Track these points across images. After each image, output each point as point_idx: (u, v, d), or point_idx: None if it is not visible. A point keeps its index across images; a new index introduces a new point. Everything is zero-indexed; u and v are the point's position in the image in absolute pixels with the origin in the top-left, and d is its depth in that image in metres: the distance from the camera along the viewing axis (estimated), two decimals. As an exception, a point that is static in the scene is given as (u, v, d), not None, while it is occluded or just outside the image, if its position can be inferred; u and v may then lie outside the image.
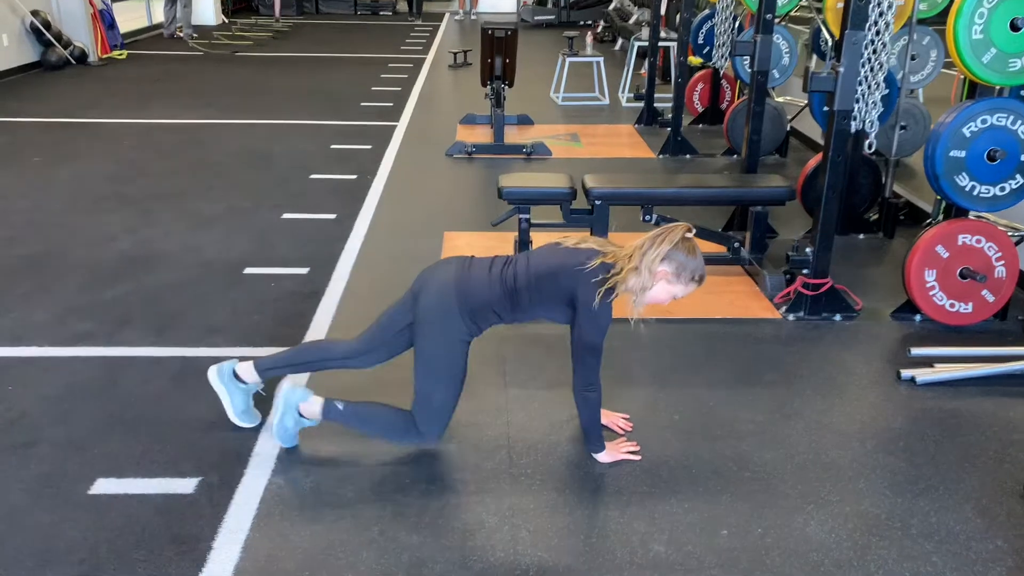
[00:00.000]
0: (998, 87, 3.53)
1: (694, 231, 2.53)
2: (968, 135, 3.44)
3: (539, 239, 4.52)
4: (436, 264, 2.74)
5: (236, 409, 2.79)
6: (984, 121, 3.42)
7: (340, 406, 2.67)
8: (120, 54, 11.27)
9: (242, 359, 2.86)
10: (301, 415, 2.69)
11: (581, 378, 2.59)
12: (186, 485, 2.54)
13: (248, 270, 4.21)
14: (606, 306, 2.50)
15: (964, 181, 3.50)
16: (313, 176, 5.93)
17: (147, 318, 3.67)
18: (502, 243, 4.60)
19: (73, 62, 10.33)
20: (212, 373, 2.83)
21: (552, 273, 2.55)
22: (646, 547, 2.32)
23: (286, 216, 5.06)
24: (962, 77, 4.34)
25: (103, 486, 2.54)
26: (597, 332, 2.53)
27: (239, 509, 2.44)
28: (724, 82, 7.58)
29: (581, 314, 2.52)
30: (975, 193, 3.52)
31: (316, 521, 2.40)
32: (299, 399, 2.68)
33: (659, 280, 2.49)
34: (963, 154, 3.46)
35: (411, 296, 2.68)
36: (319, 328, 3.58)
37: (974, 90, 3.63)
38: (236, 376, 2.83)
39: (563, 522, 2.41)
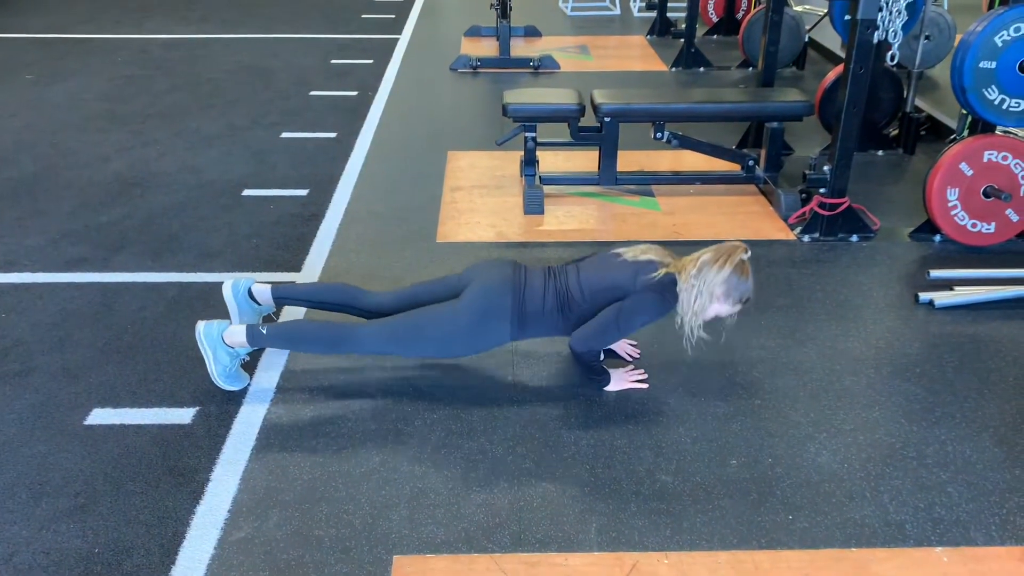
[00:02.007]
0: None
1: (749, 253, 2.48)
2: (1000, 44, 3.25)
3: (546, 158, 4.39)
4: (491, 260, 2.70)
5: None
6: (1017, 30, 3.22)
7: (264, 330, 2.56)
8: (114, -35, 10.88)
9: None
10: (229, 346, 2.56)
11: (587, 341, 2.50)
12: (183, 415, 2.49)
13: (246, 192, 4.10)
14: (659, 306, 2.48)
15: (993, 94, 3.32)
16: (313, 93, 5.75)
17: (143, 242, 3.57)
18: (508, 162, 4.45)
19: (65, -26, 9.97)
20: (227, 286, 2.76)
21: (610, 288, 2.51)
22: (653, 477, 2.26)
23: (285, 135, 4.91)
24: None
25: (99, 416, 2.49)
26: (629, 324, 2.50)
27: (237, 440, 2.39)
28: (740, -10, 7.27)
29: (630, 300, 2.47)
30: (1004, 107, 3.33)
31: (315, 452, 2.35)
32: (220, 330, 2.56)
33: (714, 300, 2.46)
34: (993, 65, 3.27)
35: (457, 279, 2.63)
36: (319, 253, 3.48)
37: (1008, -4, 3.41)
38: (250, 294, 2.76)
39: (568, 452, 2.35)
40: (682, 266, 2.49)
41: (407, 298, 2.66)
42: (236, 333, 2.56)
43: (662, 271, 2.48)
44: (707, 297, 2.42)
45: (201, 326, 2.56)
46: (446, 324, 2.52)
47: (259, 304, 2.79)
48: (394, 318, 2.57)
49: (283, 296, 2.78)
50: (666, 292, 2.47)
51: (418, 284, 2.72)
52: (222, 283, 2.77)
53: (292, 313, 2.98)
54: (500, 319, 2.52)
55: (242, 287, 2.75)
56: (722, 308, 2.48)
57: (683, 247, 3.49)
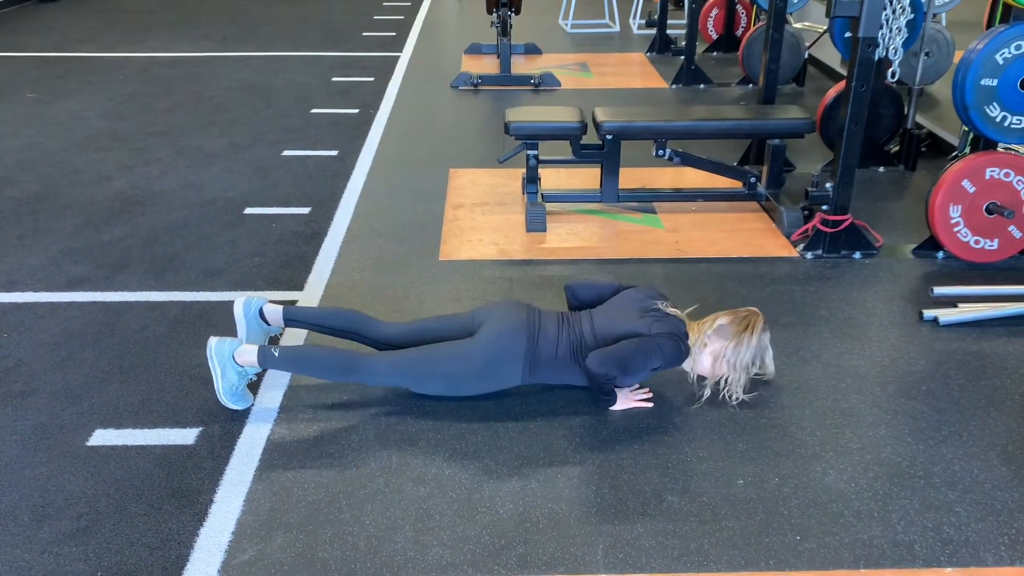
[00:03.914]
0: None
1: (768, 332, 2.65)
2: (1001, 62, 3.26)
3: (548, 175, 4.39)
4: (504, 301, 2.75)
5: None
6: (1018, 47, 3.23)
7: (276, 352, 2.55)
8: (115, -16, 10.95)
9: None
10: (239, 365, 2.55)
11: (605, 365, 2.49)
12: (186, 436, 2.48)
13: (248, 210, 4.10)
14: (676, 355, 2.55)
15: (995, 111, 3.33)
16: (314, 111, 5.77)
17: (145, 261, 3.57)
18: (510, 180, 4.46)
19: (67, -7, 10.05)
20: (238, 304, 2.76)
21: (624, 339, 2.56)
22: (659, 498, 2.25)
23: (287, 153, 4.92)
24: None
25: (101, 437, 2.47)
26: (645, 361, 2.53)
27: (241, 461, 2.38)
28: (739, 7, 7.30)
29: (651, 339, 2.54)
30: (1006, 124, 3.34)
31: (319, 473, 2.33)
32: (231, 348, 2.55)
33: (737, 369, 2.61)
34: (995, 83, 3.28)
35: (470, 318, 2.66)
36: (322, 271, 3.47)
37: (1008, 13, 3.43)
38: (262, 314, 2.76)
39: (574, 472, 2.34)
40: (696, 326, 2.63)
41: (417, 332, 2.68)
42: (247, 352, 2.55)
43: (690, 332, 2.60)
44: (735, 371, 2.59)
45: (213, 342, 2.56)
46: (459, 362, 2.54)
47: (268, 324, 2.79)
48: (408, 352, 2.58)
49: (294, 318, 2.78)
50: (682, 343, 2.56)
51: (428, 319, 2.74)
52: (224, 302, 2.78)
53: (295, 334, 2.97)
54: (513, 362, 2.54)
55: (254, 306, 2.76)
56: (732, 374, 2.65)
57: (686, 265, 3.52)
